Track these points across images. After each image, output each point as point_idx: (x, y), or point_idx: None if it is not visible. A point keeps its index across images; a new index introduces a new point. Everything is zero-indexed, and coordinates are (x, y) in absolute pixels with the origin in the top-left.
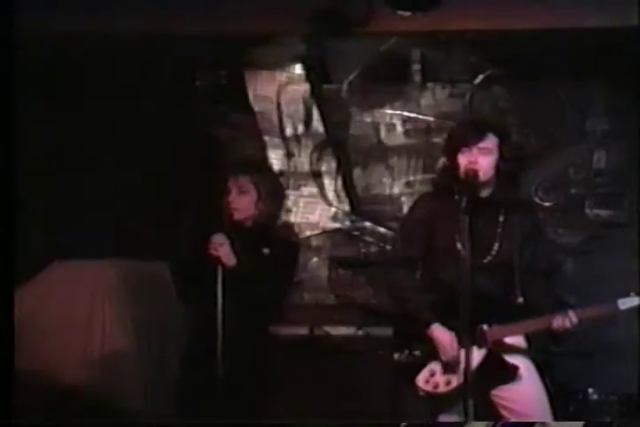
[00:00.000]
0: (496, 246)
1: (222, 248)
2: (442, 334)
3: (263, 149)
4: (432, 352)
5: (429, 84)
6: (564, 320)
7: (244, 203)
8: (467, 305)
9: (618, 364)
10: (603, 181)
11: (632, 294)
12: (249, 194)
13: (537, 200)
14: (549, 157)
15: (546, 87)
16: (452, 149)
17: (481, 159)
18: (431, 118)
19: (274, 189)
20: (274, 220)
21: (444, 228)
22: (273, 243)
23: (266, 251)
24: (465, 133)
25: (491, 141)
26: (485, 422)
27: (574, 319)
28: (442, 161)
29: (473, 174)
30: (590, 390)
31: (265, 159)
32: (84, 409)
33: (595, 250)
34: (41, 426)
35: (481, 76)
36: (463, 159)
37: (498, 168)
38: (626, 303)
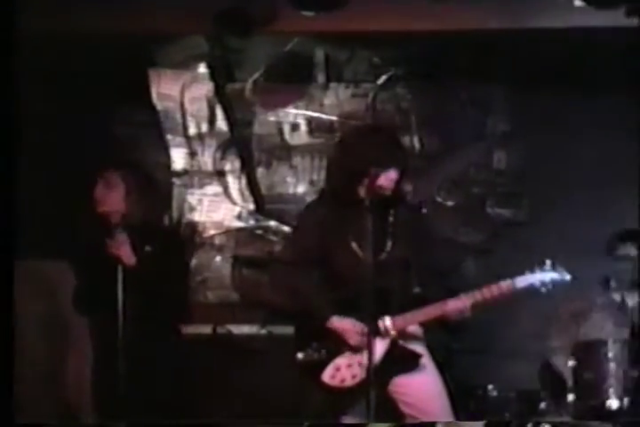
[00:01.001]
0: (389, 244)
1: (123, 247)
2: (342, 323)
3: (166, 148)
4: (336, 349)
5: (333, 84)
6: (457, 303)
7: (110, 197)
8: (370, 300)
9: (517, 361)
10: (503, 181)
11: (527, 272)
12: (116, 188)
13: (439, 200)
14: (451, 157)
15: (447, 88)
16: (364, 164)
17: (390, 178)
18: (334, 118)
19: (144, 185)
20: (152, 216)
21: (338, 229)
22: (157, 240)
23: (148, 249)
24: (383, 159)
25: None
26: (388, 424)
27: (466, 302)
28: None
29: (375, 182)
30: (490, 387)
31: (138, 154)
32: None
33: (495, 248)
34: (41, 426)
35: (384, 77)
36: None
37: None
38: (522, 281)
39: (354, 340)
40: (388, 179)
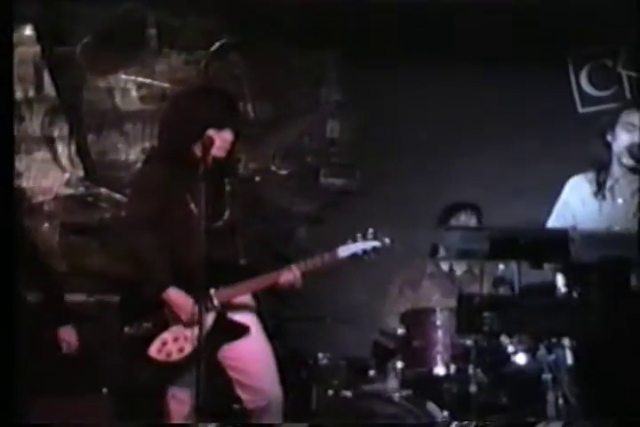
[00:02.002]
0: (227, 213)
1: None
2: (178, 296)
3: None
4: (163, 323)
5: (165, 50)
6: (288, 274)
7: None
8: (202, 270)
9: (347, 329)
10: (336, 151)
11: (349, 241)
12: None
13: (273, 168)
14: (285, 126)
15: (281, 56)
16: (199, 125)
17: (225, 138)
18: (166, 84)
19: None
20: None
21: (176, 190)
22: None
23: None
24: (218, 119)
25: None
26: None
27: (297, 272)
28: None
29: (210, 144)
30: (320, 355)
31: None
32: None
33: (328, 218)
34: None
35: (217, 44)
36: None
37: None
38: (345, 251)
39: (185, 313)
40: (222, 139)
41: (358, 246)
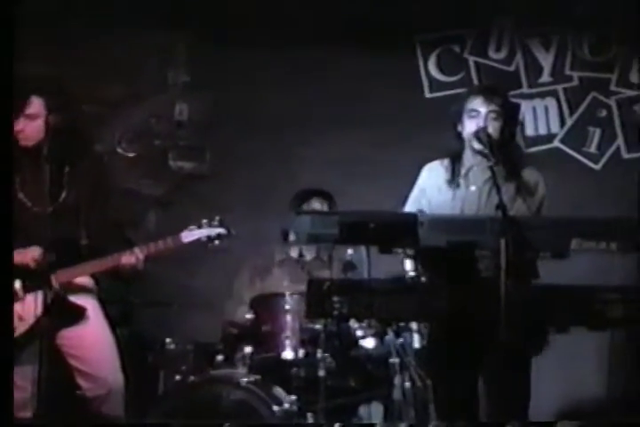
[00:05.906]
0: (64, 194)
1: None
2: (22, 255)
3: None
4: None
5: None
6: (130, 257)
7: None
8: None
9: (195, 314)
10: (184, 133)
11: (192, 227)
12: None
13: (120, 150)
14: (131, 108)
15: (127, 36)
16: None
17: (23, 126)
18: None
19: None
20: None
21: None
22: None
23: None
24: (11, 102)
25: (35, 106)
26: None
27: (139, 255)
28: None
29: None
30: (168, 340)
31: None
32: None
33: (177, 201)
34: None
35: None
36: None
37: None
38: (188, 236)
39: (32, 261)
40: (19, 123)
41: (203, 233)
